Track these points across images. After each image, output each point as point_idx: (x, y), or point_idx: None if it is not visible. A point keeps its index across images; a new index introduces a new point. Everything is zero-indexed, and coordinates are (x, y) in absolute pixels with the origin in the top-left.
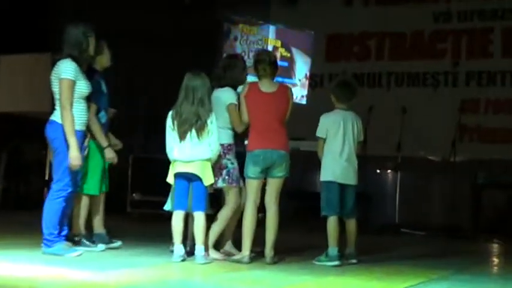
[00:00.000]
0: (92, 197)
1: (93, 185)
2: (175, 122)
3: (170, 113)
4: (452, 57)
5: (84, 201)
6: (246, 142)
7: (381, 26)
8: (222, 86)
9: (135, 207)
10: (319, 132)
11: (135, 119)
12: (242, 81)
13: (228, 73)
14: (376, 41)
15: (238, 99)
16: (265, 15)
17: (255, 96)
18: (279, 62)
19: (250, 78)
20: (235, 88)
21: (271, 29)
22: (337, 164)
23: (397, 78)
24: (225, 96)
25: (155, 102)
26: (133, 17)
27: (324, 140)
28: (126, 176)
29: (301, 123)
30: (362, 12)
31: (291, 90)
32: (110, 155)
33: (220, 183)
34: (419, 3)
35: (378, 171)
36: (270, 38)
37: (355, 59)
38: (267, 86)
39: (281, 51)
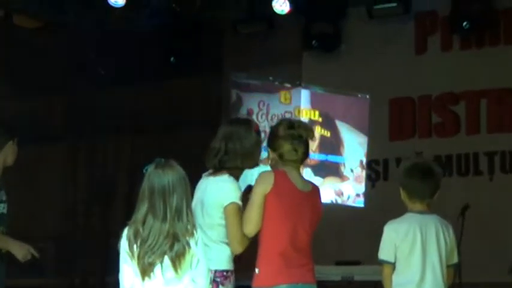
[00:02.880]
0: None
1: None
2: (135, 248)
3: (126, 231)
4: None
5: None
6: (256, 271)
7: (474, 82)
8: (216, 172)
9: None
10: (384, 254)
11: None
12: (252, 164)
13: (231, 148)
14: (467, 104)
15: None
16: (293, 75)
17: (285, 195)
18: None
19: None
20: (237, 172)
21: (304, 94)
22: None
23: (504, 160)
24: (222, 189)
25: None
26: None
27: (393, 265)
28: None
29: (356, 238)
30: (443, 63)
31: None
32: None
33: None
34: None
35: None
36: (303, 107)
37: (435, 133)
38: (299, 181)
39: (318, 129)
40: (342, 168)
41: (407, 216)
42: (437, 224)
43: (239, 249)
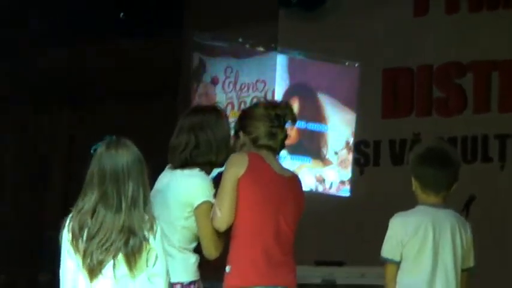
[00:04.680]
0: None
1: None
2: (80, 243)
3: (68, 221)
4: None
5: None
6: (227, 269)
7: (484, 50)
8: (184, 164)
9: None
10: (388, 251)
11: None
12: (223, 157)
13: (200, 137)
14: (475, 77)
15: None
16: (268, 37)
17: (262, 179)
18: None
19: None
20: (210, 168)
21: (280, 60)
22: None
23: None
24: (192, 185)
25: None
26: None
27: (398, 264)
28: None
29: (340, 234)
30: (448, 27)
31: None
32: None
33: None
34: None
35: None
36: (279, 76)
37: (436, 111)
38: (276, 165)
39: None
40: (324, 150)
41: (419, 209)
42: (453, 221)
43: (215, 254)
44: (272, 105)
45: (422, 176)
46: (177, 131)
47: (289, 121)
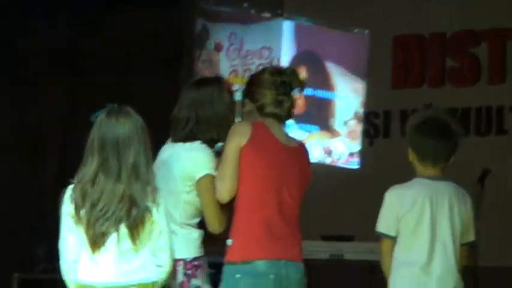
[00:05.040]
0: None
1: None
2: (84, 213)
3: (69, 192)
4: None
5: None
6: (228, 242)
7: (501, 18)
8: (185, 140)
9: None
10: (383, 226)
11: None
12: (225, 133)
13: (201, 114)
14: (490, 46)
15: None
16: (274, 2)
17: (266, 149)
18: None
19: None
20: (211, 144)
21: (286, 26)
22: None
23: None
24: (193, 158)
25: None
26: None
27: (393, 239)
28: None
29: (347, 208)
30: None
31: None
32: None
33: None
34: None
35: None
36: (285, 44)
37: (449, 81)
38: (281, 134)
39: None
40: (332, 120)
41: (416, 181)
42: (452, 193)
43: (219, 228)
44: (278, 71)
45: (420, 146)
46: (179, 104)
47: (297, 88)
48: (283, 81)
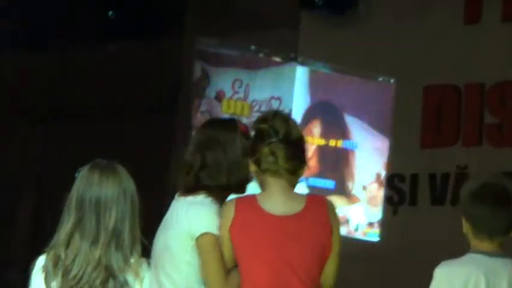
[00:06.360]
0: None
1: None
2: (55, 284)
3: (40, 260)
4: None
5: None
6: None
7: None
8: (190, 190)
9: None
10: None
11: None
12: (241, 179)
13: (211, 159)
14: None
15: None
16: (287, 45)
17: (254, 226)
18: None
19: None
20: (220, 196)
21: (300, 72)
22: None
23: None
24: (194, 214)
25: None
26: None
27: None
28: None
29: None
30: (504, 37)
31: (335, 210)
32: None
33: None
34: None
35: None
36: (298, 93)
37: (488, 140)
38: (278, 202)
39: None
40: (350, 183)
41: (469, 257)
42: None
43: None
44: (267, 116)
45: (475, 216)
46: (188, 147)
47: (289, 136)
48: (274, 128)
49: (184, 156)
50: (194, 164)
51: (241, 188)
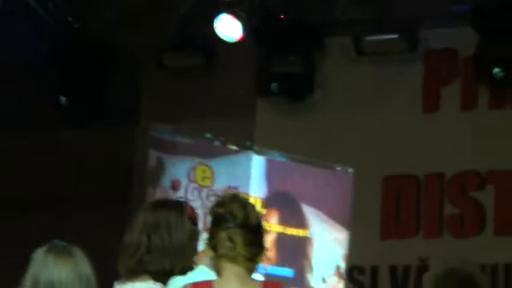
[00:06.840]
0: None
1: None
2: None
3: None
4: None
5: None
6: None
7: (509, 157)
8: (132, 274)
9: None
10: None
11: None
12: (184, 265)
13: (155, 243)
14: (497, 190)
15: None
16: (242, 133)
17: None
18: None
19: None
20: (164, 281)
21: (256, 162)
22: None
23: None
24: None
25: None
26: None
27: None
28: None
29: None
30: (463, 127)
31: None
32: None
33: None
34: None
35: None
36: (254, 183)
37: (449, 231)
38: None
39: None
40: (309, 275)
41: None
42: None
43: None
44: (224, 201)
45: None
46: (130, 229)
47: (249, 222)
48: (232, 213)
49: (126, 237)
50: (140, 246)
51: (183, 274)
